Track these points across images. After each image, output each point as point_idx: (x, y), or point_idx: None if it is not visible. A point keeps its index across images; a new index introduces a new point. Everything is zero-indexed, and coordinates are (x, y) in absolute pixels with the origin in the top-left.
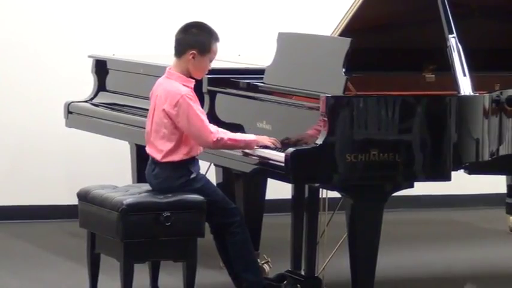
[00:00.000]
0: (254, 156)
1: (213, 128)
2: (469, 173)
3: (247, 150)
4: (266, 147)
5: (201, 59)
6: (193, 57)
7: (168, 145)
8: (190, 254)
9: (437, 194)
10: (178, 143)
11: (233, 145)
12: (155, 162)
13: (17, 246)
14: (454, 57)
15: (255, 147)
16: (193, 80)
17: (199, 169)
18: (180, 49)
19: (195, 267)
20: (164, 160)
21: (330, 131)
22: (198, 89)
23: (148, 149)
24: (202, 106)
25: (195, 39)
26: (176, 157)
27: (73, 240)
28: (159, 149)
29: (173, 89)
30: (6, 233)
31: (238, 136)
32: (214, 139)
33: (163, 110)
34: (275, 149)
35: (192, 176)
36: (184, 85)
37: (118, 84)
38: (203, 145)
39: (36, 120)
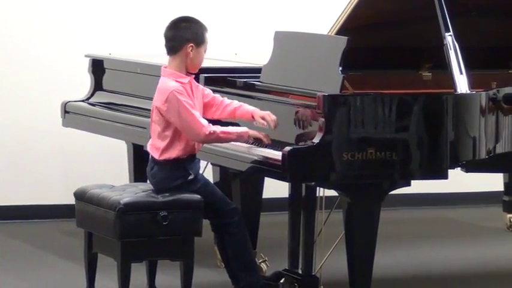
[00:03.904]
0: (251, 155)
1: (204, 121)
2: (466, 171)
3: (244, 149)
4: (260, 144)
5: (198, 50)
6: (191, 51)
7: (163, 143)
8: (188, 253)
9: (434, 192)
10: (173, 140)
11: (226, 138)
12: (154, 160)
13: (14, 245)
14: (450, 55)
15: (251, 146)
16: (187, 76)
17: (198, 169)
18: (176, 45)
19: (192, 266)
20: (162, 158)
21: (326, 129)
22: None
23: (148, 148)
24: None
25: (190, 32)
26: (173, 153)
27: (70, 240)
28: (156, 147)
29: (164, 85)
30: (3, 232)
31: (230, 129)
32: (207, 132)
33: (156, 107)
34: (272, 147)
35: (190, 177)
36: (176, 81)
37: (115, 84)
38: (196, 139)
39: (33, 120)
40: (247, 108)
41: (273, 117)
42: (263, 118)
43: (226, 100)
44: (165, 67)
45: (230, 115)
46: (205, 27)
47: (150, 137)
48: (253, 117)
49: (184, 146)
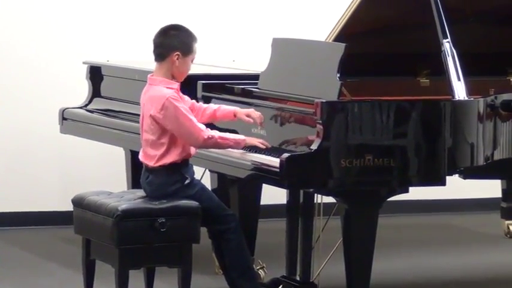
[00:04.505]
0: (249, 161)
1: (202, 126)
2: (464, 178)
3: (242, 156)
4: (257, 151)
5: (184, 60)
6: (177, 59)
7: (159, 151)
8: (185, 260)
9: (432, 198)
10: (169, 146)
11: (223, 143)
12: (148, 169)
13: (11, 252)
14: (448, 61)
15: (243, 151)
16: (177, 82)
17: (193, 174)
18: (163, 52)
19: (190, 273)
20: (157, 164)
21: (324, 136)
22: (193, 94)
23: (141, 158)
24: None
25: (178, 40)
26: (169, 159)
27: (68, 247)
28: (151, 156)
29: (157, 93)
30: (1, 239)
31: (228, 135)
32: (206, 136)
33: (151, 115)
34: (270, 154)
35: (186, 182)
36: (168, 88)
37: (112, 91)
38: (194, 144)
39: (30, 126)
40: (227, 108)
41: (258, 113)
42: (248, 115)
43: (203, 104)
44: (152, 75)
45: (211, 118)
46: (194, 37)
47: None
48: (235, 116)
49: (181, 151)
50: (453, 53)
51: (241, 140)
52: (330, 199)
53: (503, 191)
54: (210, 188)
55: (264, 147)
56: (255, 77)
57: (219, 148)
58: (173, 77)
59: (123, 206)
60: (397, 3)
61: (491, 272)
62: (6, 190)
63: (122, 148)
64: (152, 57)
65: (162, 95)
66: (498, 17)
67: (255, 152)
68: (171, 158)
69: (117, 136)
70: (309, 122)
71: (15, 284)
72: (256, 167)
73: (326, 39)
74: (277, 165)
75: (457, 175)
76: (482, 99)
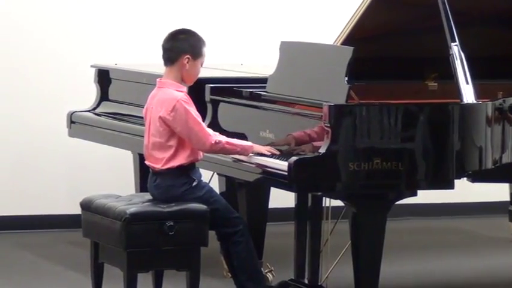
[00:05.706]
0: (257, 165)
1: (210, 130)
2: (472, 181)
3: (248, 159)
4: (264, 155)
5: (194, 63)
6: (187, 62)
7: (167, 153)
8: (194, 263)
9: (440, 202)
10: (177, 149)
11: (231, 149)
12: (156, 172)
13: (20, 256)
14: (456, 65)
15: (251, 154)
16: (186, 86)
17: (200, 176)
18: (173, 56)
19: (198, 276)
20: (165, 167)
21: (332, 139)
22: (201, 97)
23: (147, 162)
24: (204, 115)
25: (188, 44)
26: (177, 162)
27: (76, 250)
28: (158, 159)
29: (168, 95)
30: (9, 243)
31: (235, 141)
32: (213, 141)
33: (160, 117)
34: (278, 157)
35: (194, 183)
36: (177, 91)
37: (121, 94)
38: (202, 148)
39: (39, 130)
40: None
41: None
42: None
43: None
44: (161, 79)
45: None
46: (203, 40)
47: (145, 153)
48: None
49: (189, 155)
50: (461, 56)
51: (249, 147)
52: (338, 202)
53: None
54: (218, 192)
55: (271, 154)
56: (263, 80)
57: (226, 154)
58: (182, 81)
59: (131, 209)
60: (405, 7)
61: (499, 275)
62: (15, 193)
63: (130, 151)
64: (160, 60)
65: (173, 97)
66: (506, 20)
67: (257, 154)
68: (179, 160)
69: (125, 139)
70: (317, 125)
71: None
72: (265, 171)
73: (334, 42)
74: (286, 168)
75: (465, 178)
76: (490, 102)
